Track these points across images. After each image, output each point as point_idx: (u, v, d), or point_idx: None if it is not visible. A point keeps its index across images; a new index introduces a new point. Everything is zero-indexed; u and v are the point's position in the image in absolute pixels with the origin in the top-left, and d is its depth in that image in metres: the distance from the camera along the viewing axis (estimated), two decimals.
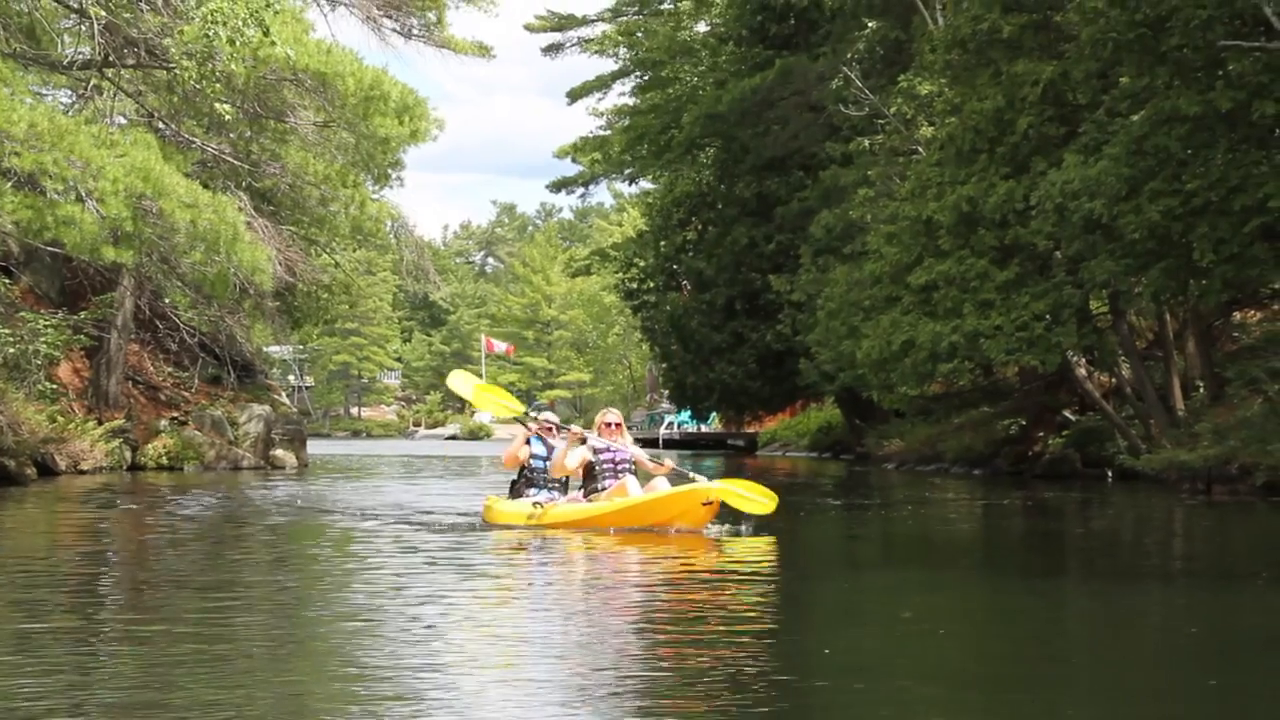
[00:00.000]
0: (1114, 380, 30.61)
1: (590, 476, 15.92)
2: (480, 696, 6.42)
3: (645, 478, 15.82)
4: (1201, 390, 27.55)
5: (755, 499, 15.15)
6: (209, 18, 18.17)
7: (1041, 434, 34.53)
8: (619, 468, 15.79)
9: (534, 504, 15.54)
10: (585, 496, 15.80)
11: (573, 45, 65.95)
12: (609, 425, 16.18)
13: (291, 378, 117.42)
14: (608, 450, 15.92)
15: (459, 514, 17.69)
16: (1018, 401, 36.53)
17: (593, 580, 11.57)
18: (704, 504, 14.65)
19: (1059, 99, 27.27)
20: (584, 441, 15.90)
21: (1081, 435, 32.22)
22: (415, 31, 35.49)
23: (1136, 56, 22.90)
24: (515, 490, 16.38)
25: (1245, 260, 21.82)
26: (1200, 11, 21.13)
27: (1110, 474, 29.41)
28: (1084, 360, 29.86)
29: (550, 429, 16.63)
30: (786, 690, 6.60)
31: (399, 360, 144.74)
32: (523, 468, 16.39)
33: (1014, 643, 8.30)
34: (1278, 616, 9.11)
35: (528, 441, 16.44)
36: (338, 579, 11.38)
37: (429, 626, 8.50)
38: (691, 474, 15.73)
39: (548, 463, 16.17)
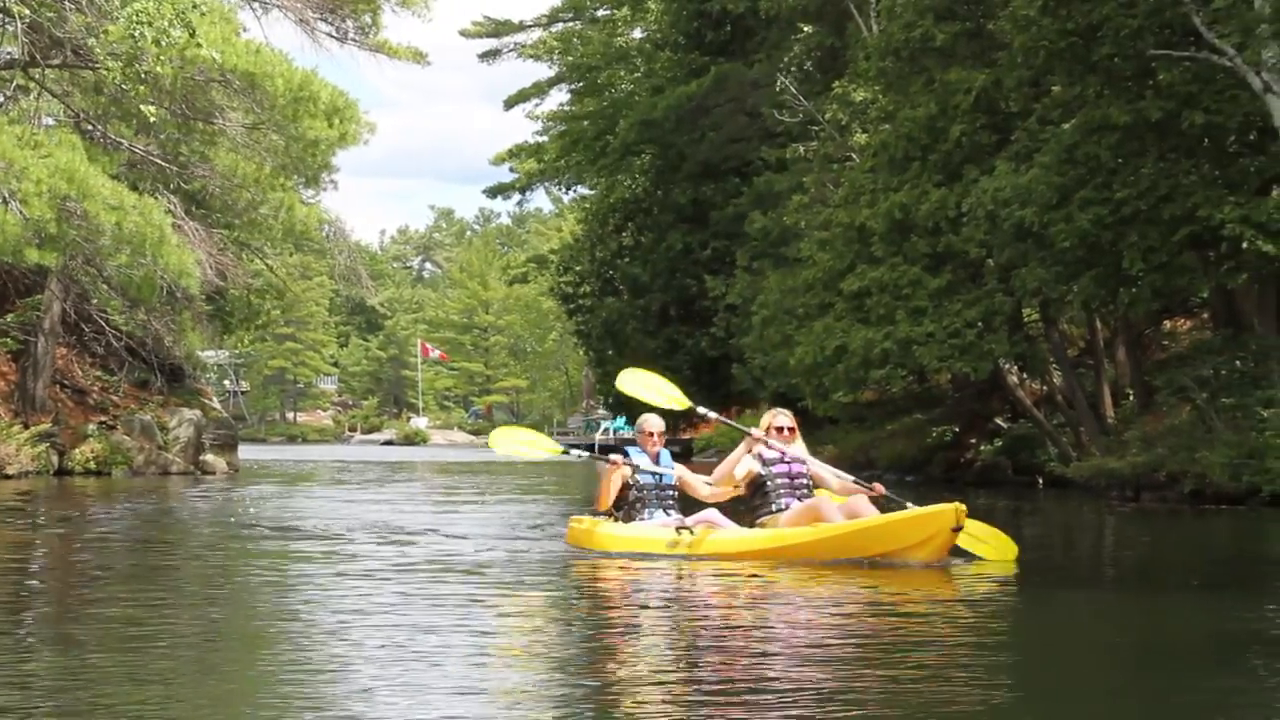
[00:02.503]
0: (1045, 388, 30.71)
1: (758, 494, 12.85)
2: None
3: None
4: (1131, 398, 27.65)
5: (991, 543, 12.49)
6: (134, 18, 17.95)
7: (974, 441, 34.62)
8: (796, 483, 12.80)
9: (679, 528, 12.57)
10: (756, 520, 12.75)
11: (509, 51, 65.79)
12: (780, 430, 13.07)
13: (227, 383, 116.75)
14: (782, 461, 12.92)
15: (529, 536, 15.13)
16: (950, 409, 36.61)
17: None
18: (953, 529, 11.71)
19: (991, 107, 27.36)
20: (757, 456, 12.90)
21: (1013, 443, 32.32)
22: (350, 36, 35.23)
23: (1068, 65, 22.99)
24: (627, 514, 13.33)
25: (1174, 269, 21.93)
26: (1131, 21, 21.23)
27: (1041, 481, 29.51)
28: (1015, 368, 29.94)
29: (651, 436, 13.56)
30: None
31: (335, 365, 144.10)
32: (625, 486, 13.35)
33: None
34: (1205, 622, 9.08)
35: (622, 451, 13.63)
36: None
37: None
38: (906, 502, 12.73)
39: (658, 476, 13.39)
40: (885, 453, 36.74)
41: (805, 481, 12.90)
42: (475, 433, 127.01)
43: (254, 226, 31.87)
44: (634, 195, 57.55)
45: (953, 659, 7.56)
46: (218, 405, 41.76)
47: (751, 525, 12.78)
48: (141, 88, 20.12)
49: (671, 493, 13.48)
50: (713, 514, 12.99)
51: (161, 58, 19.12)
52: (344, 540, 14.51)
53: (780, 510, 12.62)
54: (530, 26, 65.11)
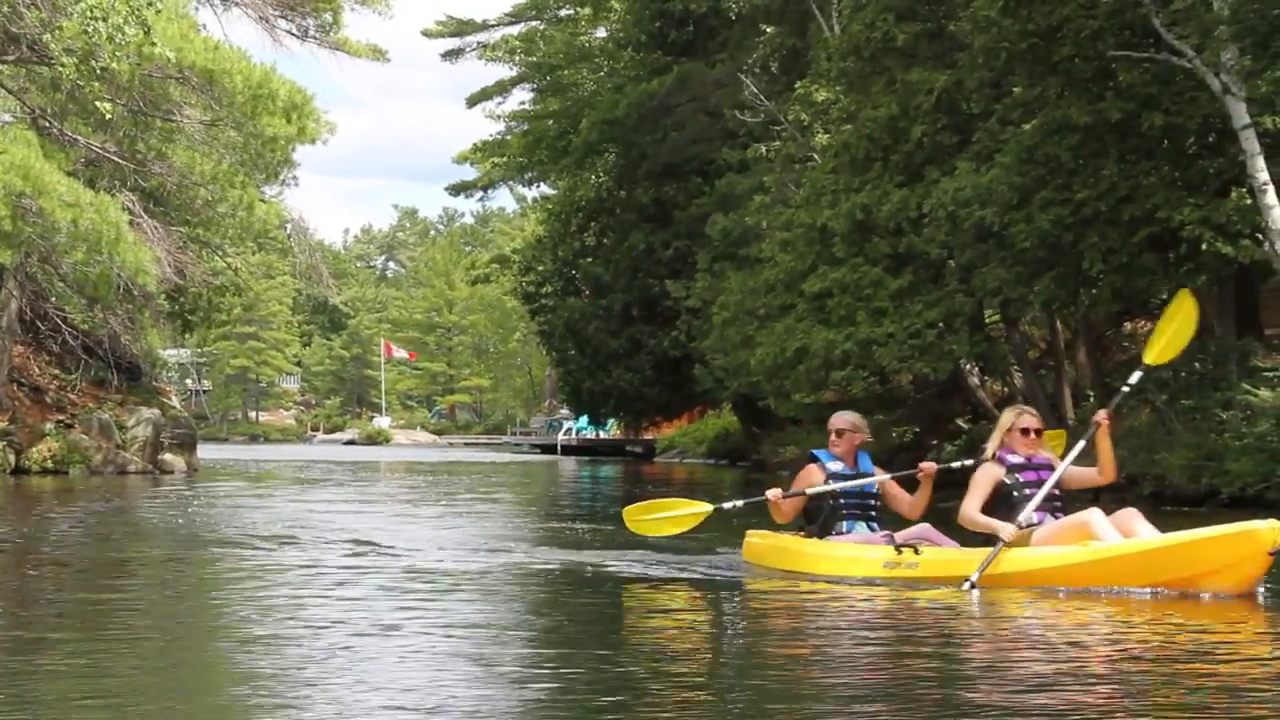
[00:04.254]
0: (1006, 389, 30.73)
1: (1000, 508, 10.78)
2: None
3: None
4: (1092, 400, 27.65)
5: None
6: (87, 14, 17.78)
7: (935, 442, 34.59)
8: (1046, 495, 10.67)
9: (898, 547, 10.85)
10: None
11: (472, 50, 65.57)
12: (1026, 433, 11.07)
13: (189, 381, 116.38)
14: (1029, 468, 10.95)
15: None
16: (911, 409, 36.61)
17: None
18: (1270, 554, 9.54)
19: (952, 108, 27.36)
20: (998, 461, 11.00)
21: (974, 443, 32.22)
22: (310, 33, 35.10)
23: (1028, 66, 22.99)
24: (823, 526, 11.67)
25: (1134, 270, 21.94)
26: (1091, 22, 21.24)
27: None
28: (976, 369, 29.95)
29: (844, 435, 11.91)
30: None
31: (298, 364, 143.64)
32: (818, 497, 11.66)
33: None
34: (1166, 624, 9.01)
35: (813, 459, 11.94)
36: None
37: None
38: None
39: (859, 484, 11.73)
40: None
41: (1057, 493, 10.76)
42: (438, 432, 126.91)
43: (212, 224, 31.70)
44: (596, 195, 57.45)
45: None
46: (177, 404, 41.53)
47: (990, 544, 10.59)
48: (97, 84, 19.98)
49: (874, 503, 11.71)
50: (927, 530, 11.27)
51: (117, 54, 18.94)
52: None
53: (1030, 526, 10.54)
54: (493, 26, 64.92)
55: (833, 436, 11.91)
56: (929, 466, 11.72)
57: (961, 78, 26.31)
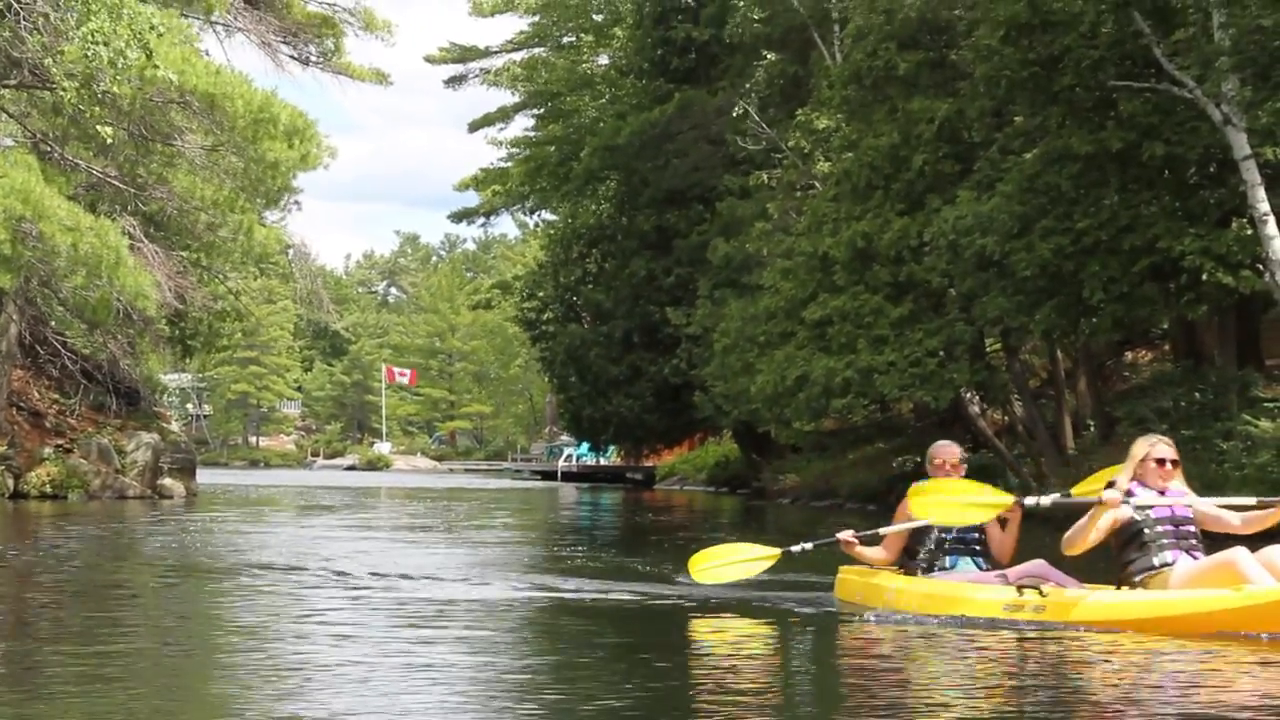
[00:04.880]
0: (1006, 418, 30.69)
1: (1131, 546, 9.85)
2: None
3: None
4: (1092, 429, 27.64)
5: None
6: (89, 38, 17.78)
7: None
8: (1181, 531, 9.83)
9: (1020, 586, 9.96)
10: (1131, 577, 9.74)
11: (475, 77, 65.65)
12: (1161, 463, 10.05)
13: (189, 406, 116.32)
14: (1164, 506, 9.96)
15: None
16: (912, 438, 36.57)
17: None
18: None
19: (954, 136, 27.38)
20: (1127, 494, 9.89)
21: (974, 472, 31.97)
22: (313, 59, 35.18)
23: (1029, 95, 23.02)
24: (925, 563, 10.85)
25: (1134, 299, 21.92)
26: (1092, 52, 21.26)
27: None
28: (977, 398, 29.90)
29: (943, 466, 11.08)
30: None
31: (299, 390, 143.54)
32: (919, 530, 10.89)
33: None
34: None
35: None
36: None
37: None
38: None
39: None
40: (847, 481, 36.68)
41: (1193, 530, 9.90)
42: (438, 458, 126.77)
43: (213, 249, 31.67)
44: (598, 221, 57.45)
45: None
46: (177, 429, 41.50)
47: (1120, 585, 9.85)
48: (98, 108, 19.97)
49: (979, 537, 10.87)
50: (1044, 567, 10.30)
51: (119, 78, 18.94)
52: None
53: (1165, 566, 9.64)
54: (496, 52, 65.00)
55: (934, 465, 11.10)
56: (1015, 502, 10.77)
57: (963, 107, 26.35)
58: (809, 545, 11.87)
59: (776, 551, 11.76)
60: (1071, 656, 8.56)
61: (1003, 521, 10.74)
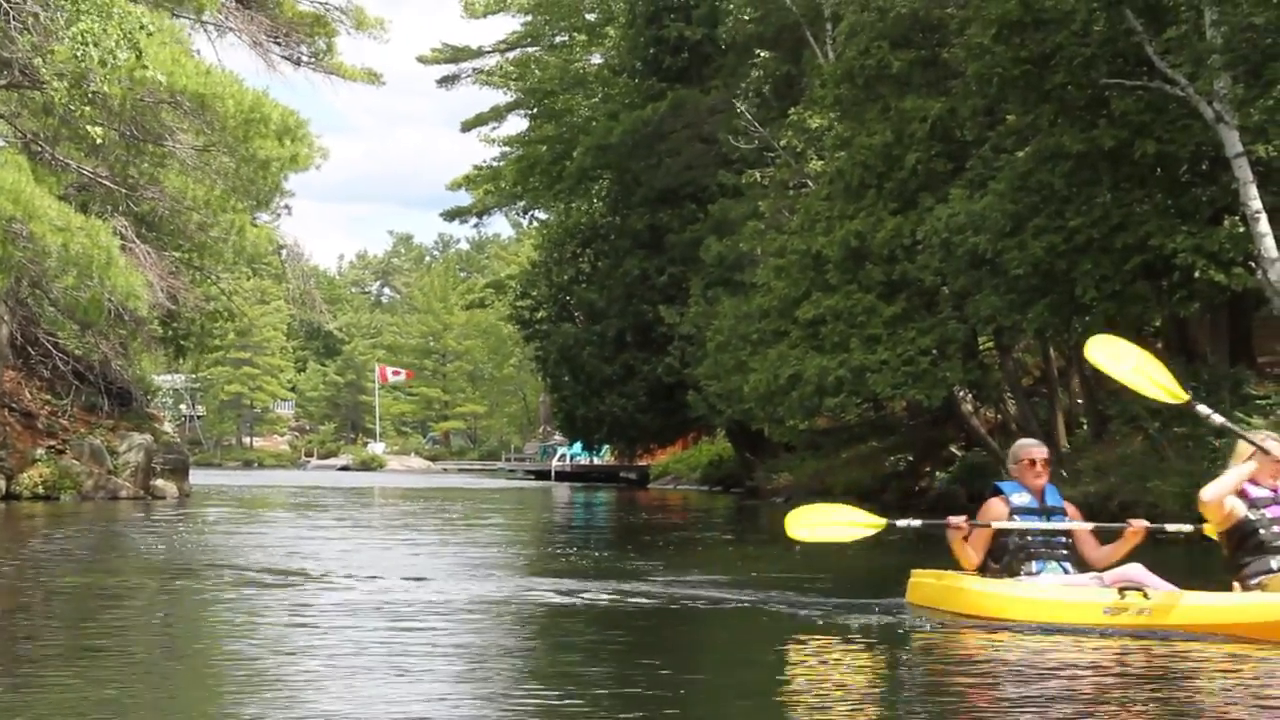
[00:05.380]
0: (999, 416, 30.67)
1: (1242, 547, 9.63)
2: None
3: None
4: (1084, 427, 27.63)
5: None
6: (78, 38, 17.73)
7: (928, 469, 34.57)
8: None
9: (1121, 589, 9.41)
10: (1245, 580, 9.43)
11: (467, 77, 65.61)
12: None
13: (183, 407, 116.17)
14: (1276, 501, 9.69)
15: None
16: (905, 436, 36.58)
17: None
18: None
19: (947, 135, 27.36)
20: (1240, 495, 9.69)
21: (967, 471, 32.20)
22: (304, 58, 35.14)
23: (1021, 93, 22.98)
24: (1008, 567, 10.28)
25: (1127, 297, 21.89)
26: (1084, 50, 21.22)
27: None
28: (970, 396, 29.89)
29: (1034, 465, 10.53)
30: None
31: (293, 390, 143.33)
32: (1001, 533, 10.33)
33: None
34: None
35: (997, 491, 10.59)
36: None
37: None
38: None
39: (1046, 516, 10.42)
40: (840, 480, 36.61)
41: None
42: (432, 458, 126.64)
43: (205, 249, 31.61)
44: (591, 221, 57.43)
45: None
46: (169, 429, 41.42)
47: (1230, 587, 9.52)
48: (88, 108, 19.90)
49: (1066, 540, 10.32)
50: (1141, 571, 9.71)
51: (109, 78, 18.89)
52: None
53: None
54: (488, 52, 64.96)
55: (1024, 466, 10.53)
56: (1139, 525, 10.27)
57: (955, 105, 26.34)
58: (916, 522, 11.38)
59: (882, 521, 11.08)
60: (1183, 664, 8.20)
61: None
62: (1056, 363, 29.06)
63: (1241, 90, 19.93)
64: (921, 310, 27.20)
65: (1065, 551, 10.25)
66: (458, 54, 65.15)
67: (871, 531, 11.05)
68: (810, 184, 34.48)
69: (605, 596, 11.91)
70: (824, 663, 8.59)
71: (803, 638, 9.51)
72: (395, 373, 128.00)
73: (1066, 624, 9.32)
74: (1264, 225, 20.06)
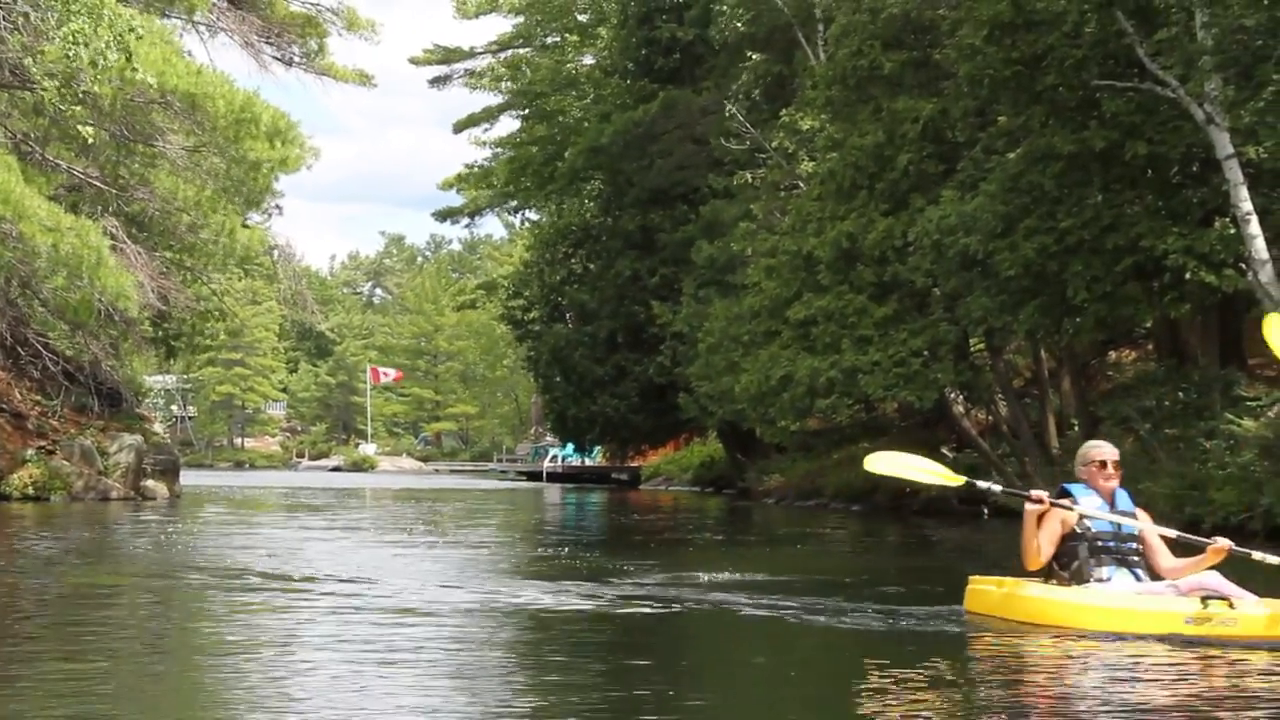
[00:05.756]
0: (990, 418, 30.69)
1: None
2: None
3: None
4: (1076, 428, 27.62)
5: None
6: (69, 38, 17.69)
7: None
8: None
9: (1203, 599, 9.05)
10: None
11: (459, 78, 65.58)
12: None
13: (174, 408, 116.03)
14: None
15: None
16: (896, 438, 36.51)
17: None
18: None
19: (938, 136, 27.37)
20: None
21: (959, 472, 32.19)
22: (296, 59, 35.12)
23: (1013, 95, 23.00)
24: (1077, 574, 9.88)
25: (1118, 299, 21.90)
26: (1075, 51, 21.25)
27: (986, 511, 29.40)
28: (961, 397, 29.90)
29: (1104, 467, 10.11)
30: None
31: (284, 391, 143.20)
32: (1069, 536, 9.95)
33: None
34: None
35: (1065, 493, 10.07)
36: None
37: None
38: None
39: (1118, 524, 9.96)
40: (832, 481, 36.61)
41: None
42: (424, 459, 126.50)
43: (196, 250, 31.57)
44: (582, 221, 57.43)
45: None
46: (160, 430, 41.37)
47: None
48: (79, 108, 19.87)
49: (1136, 546, 9.95)
50: (1219, 580, 9.38)
51: (99, 78, 18.86)
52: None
53: None
54: (480, 53, 64.92)
55: (1094, 468, 10.11)
56: (1224, 545, 9.70)
57: (947, 106, 26.35)
58: (996, 487, 11.28)
59: (961, 479, 10.91)
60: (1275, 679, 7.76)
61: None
62: (1048, 364, 29.09)
63: (1232, 92, 19.97)
64: (913, 311, 27.21)
65: (1137, 558, 9.91)
66: (449, 55, 65.11)
67: (950, 484, 10.95)
68: (802, 185, 34.50)
69: (589, 599, 11.88)
70: (897, 679, 7.90)
71: (865, 648, 9.13)
72: (387, 373, 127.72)
73: (1144, 634, 8.93)
74: (1255, 227, 20.09)
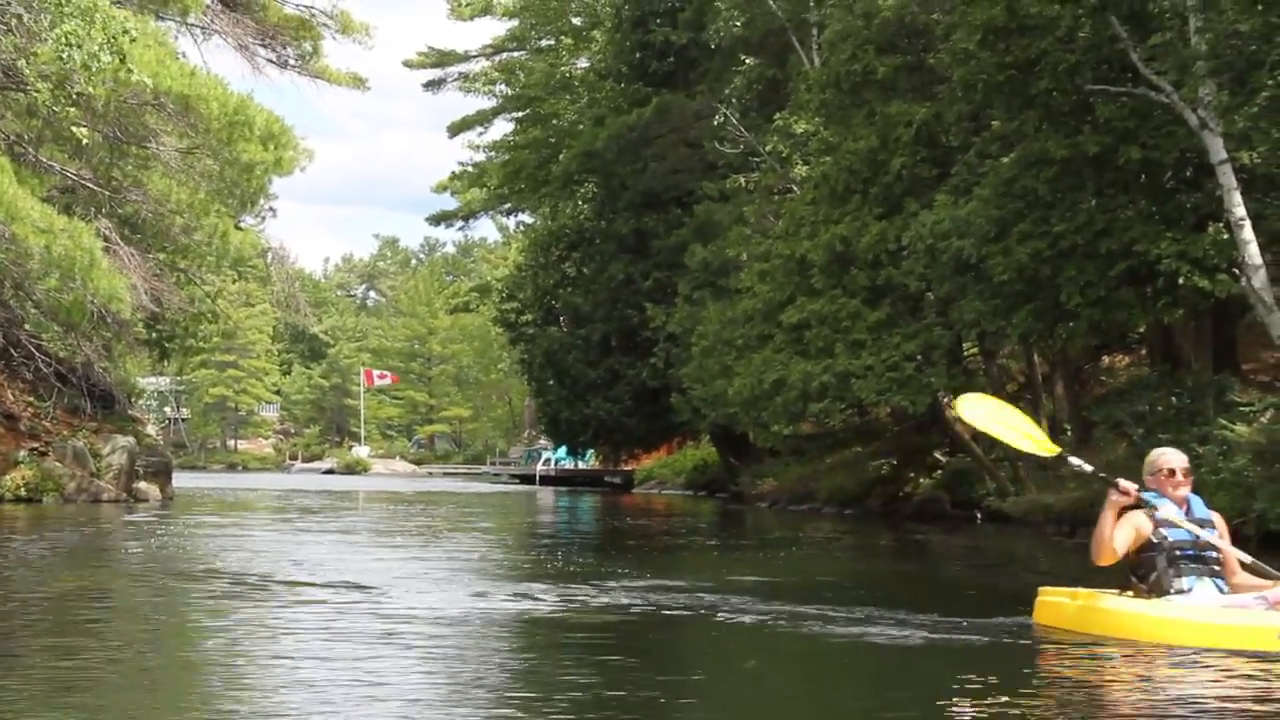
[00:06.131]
0: None
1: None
2: None
3: None
4: (1069, 433, 27.63)
5: None
6: (61, 40, 17.66)
7: (912, 475, 34.56)
8: None
9: None
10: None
11: (454, 81, 65.58)
12: None
13: (168, 409, 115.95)
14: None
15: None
16: (889, 442, 36.56)
17: None
18: None
19: (932, 140, 27.38)
20: None
21: (951, 477, 32.25)
22: (290, 62, 35.11)
23: (1006, 99, 22.98)
24: (1155, 584, 9.47)
25: (1111, 303, 21.88)
26: (1069, 56, 21.23)
27: (979, 516, 29.43)
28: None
29: (1174, 474, 9.77)
30: None
31: (277, 393, 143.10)
32: (1145, 546, 9.58)
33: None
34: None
35: (1140, 504, 9.60)
36: None
37: None
38: None
39: (1194, 532, 9.56)
40: (824, 486, 36.64)
41: None
42: (417, 462, 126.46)
43: (189, 252, 31.52)
44: (576, 224, 57.44)
45: None
46: (153, 432, 41.25)
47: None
48: (72, 110, 19.84)
49: (1216, 555, 9.53)
50: None
51: (92, 80, 18.82)
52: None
53: None
54: (474, 56, 64.92)
55: (1162, 476, 9.79)
56: None
57: (940, 111, 26.36)
58: (1087, 467, 10.55)
59: (1056, 449, 10.53)
60: None
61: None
62: (1041, 369, 29.09)
63: (1226, 97, 19.94)
64: (906, 316, 27.22)
65: (1218, 567, 9.48)
66: (444, 58, 65.11)
67: (1039, 452, 10.53)
68: (795, 189, 34.50)
69: (579, 602, 11.87)
70: (978, 696, 7.43)
71: (936, 662, 8.83)
72: (381, 376, 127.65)
73: (1232, 648, 8.51)
74: (1248, 232, 20.07)
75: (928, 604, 11.54)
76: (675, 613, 11.22)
